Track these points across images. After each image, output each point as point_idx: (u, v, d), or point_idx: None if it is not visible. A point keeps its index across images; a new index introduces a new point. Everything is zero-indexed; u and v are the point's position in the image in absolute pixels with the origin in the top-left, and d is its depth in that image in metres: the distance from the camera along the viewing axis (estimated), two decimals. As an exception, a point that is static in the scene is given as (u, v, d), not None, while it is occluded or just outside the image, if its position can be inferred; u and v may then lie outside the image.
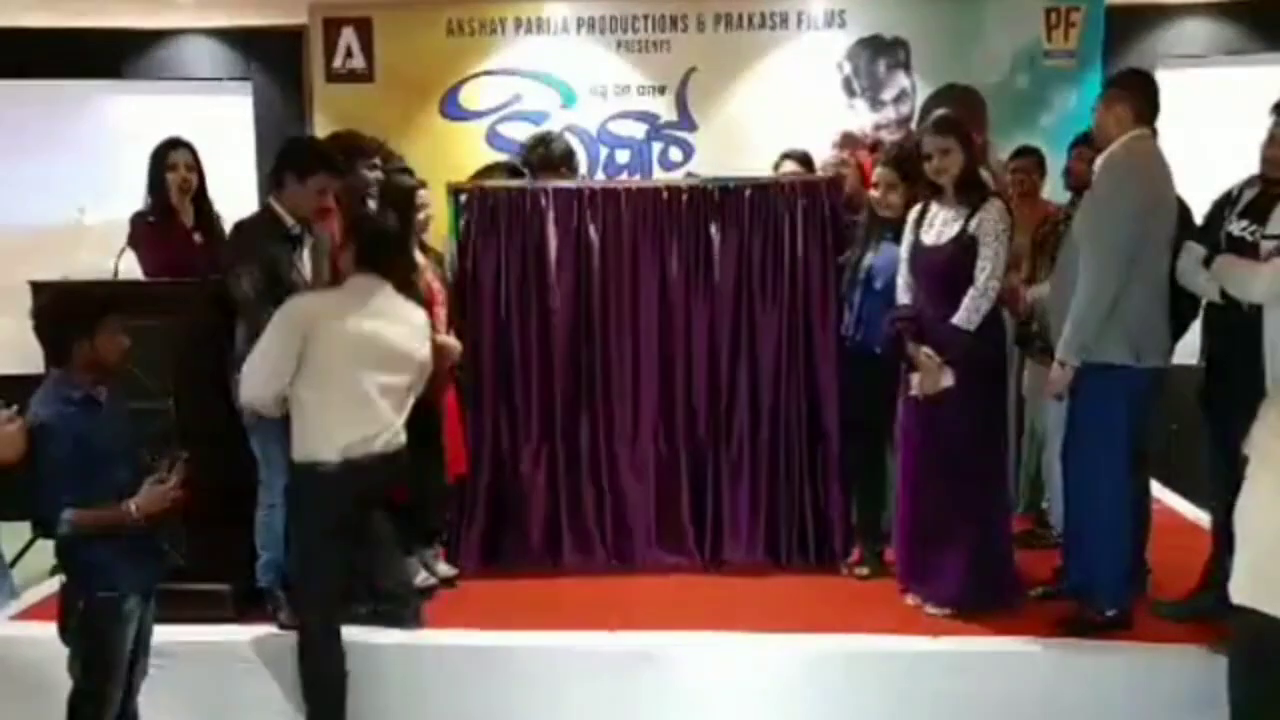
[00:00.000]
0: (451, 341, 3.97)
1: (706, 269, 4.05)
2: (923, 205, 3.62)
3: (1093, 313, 3.23)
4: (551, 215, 4.06)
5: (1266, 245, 3.11)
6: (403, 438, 3.25)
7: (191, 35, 6.85)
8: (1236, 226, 3.21)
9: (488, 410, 4.09)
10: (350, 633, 3.47)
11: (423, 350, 3.32)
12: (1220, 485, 3.13)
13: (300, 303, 3.17)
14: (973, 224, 3.45)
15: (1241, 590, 2.61)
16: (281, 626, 3.45)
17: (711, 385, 4.09)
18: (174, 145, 3.89)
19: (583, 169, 6.01)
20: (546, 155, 4.41)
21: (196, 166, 3.90)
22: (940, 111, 3.80)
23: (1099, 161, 3.38)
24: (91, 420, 2.69)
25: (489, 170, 4.61)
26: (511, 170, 4.54)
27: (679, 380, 4.09)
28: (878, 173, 3.90)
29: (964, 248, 3.45)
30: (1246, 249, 3.16)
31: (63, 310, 2.78)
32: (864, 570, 4.00)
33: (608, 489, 4.12)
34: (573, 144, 4.74)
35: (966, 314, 3.42)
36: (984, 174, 3.79)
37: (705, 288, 4.06)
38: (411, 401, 3.30)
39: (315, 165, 3.46)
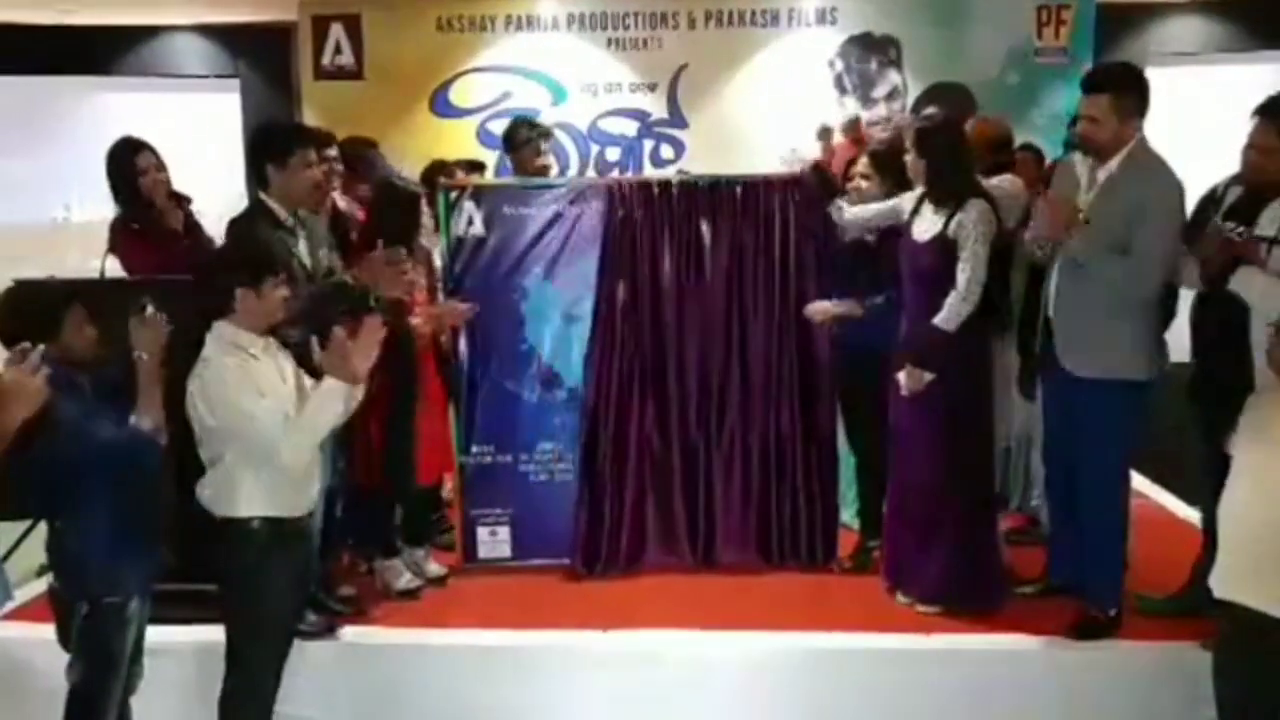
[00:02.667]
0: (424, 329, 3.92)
1: (698, 266, 4.04)
2: (919, 196, 3.62)
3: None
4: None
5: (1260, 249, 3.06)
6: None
7: (179, 32, 6.83)
8: (1225, 228, 3.17)
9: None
10: (341, 633, 3.49)
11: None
12: (1209, 482, 3.13)
13: None
14: (952, 226, 3.45)
15: (1223, 584, 2.62)
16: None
17: (703, 382, 4.08)
18: (138, 148, 3.70)
19: (573, 167, 6.02)
20: (528, 135, 4.50)
21: (164, 166, 3.75)
22: (923, 116, 3.80)
23: (1120, 162, 3.24)
24: (80, 402, 2.65)
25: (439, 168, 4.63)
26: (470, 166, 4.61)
27: (671, 377, 4.08)
28: (862, 160, 3.98)
29: (943, 249, 3.45)
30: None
31: (21, 310, 2.71)
32: (848, 564, 4.02)
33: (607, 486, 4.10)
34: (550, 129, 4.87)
35: (947, 316, 3.42)
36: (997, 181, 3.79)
37: (696, 284, 4.05)
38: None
39: (290, 144, 3.39)
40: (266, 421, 2.74)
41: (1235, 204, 3.21)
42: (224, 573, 2.90)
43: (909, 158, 3.61)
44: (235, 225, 3.43)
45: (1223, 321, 3.15)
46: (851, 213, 3.82)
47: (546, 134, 4.63)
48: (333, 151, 4.00)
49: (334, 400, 2.82)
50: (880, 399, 3.69)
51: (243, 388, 2.74)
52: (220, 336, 2.81)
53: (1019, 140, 4.86)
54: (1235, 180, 3.26)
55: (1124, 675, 3.33)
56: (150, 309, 2.79)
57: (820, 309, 3.88)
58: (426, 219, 3.95)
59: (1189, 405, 3.40)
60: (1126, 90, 3.25)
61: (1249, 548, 2.54)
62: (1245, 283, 3.07)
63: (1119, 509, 3.45)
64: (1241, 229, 3.13)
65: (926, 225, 3.54)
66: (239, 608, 2.89)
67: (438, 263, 4.11)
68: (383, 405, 3.54)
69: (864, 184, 3.88)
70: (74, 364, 2.69)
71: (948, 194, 3.48)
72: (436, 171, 4.59)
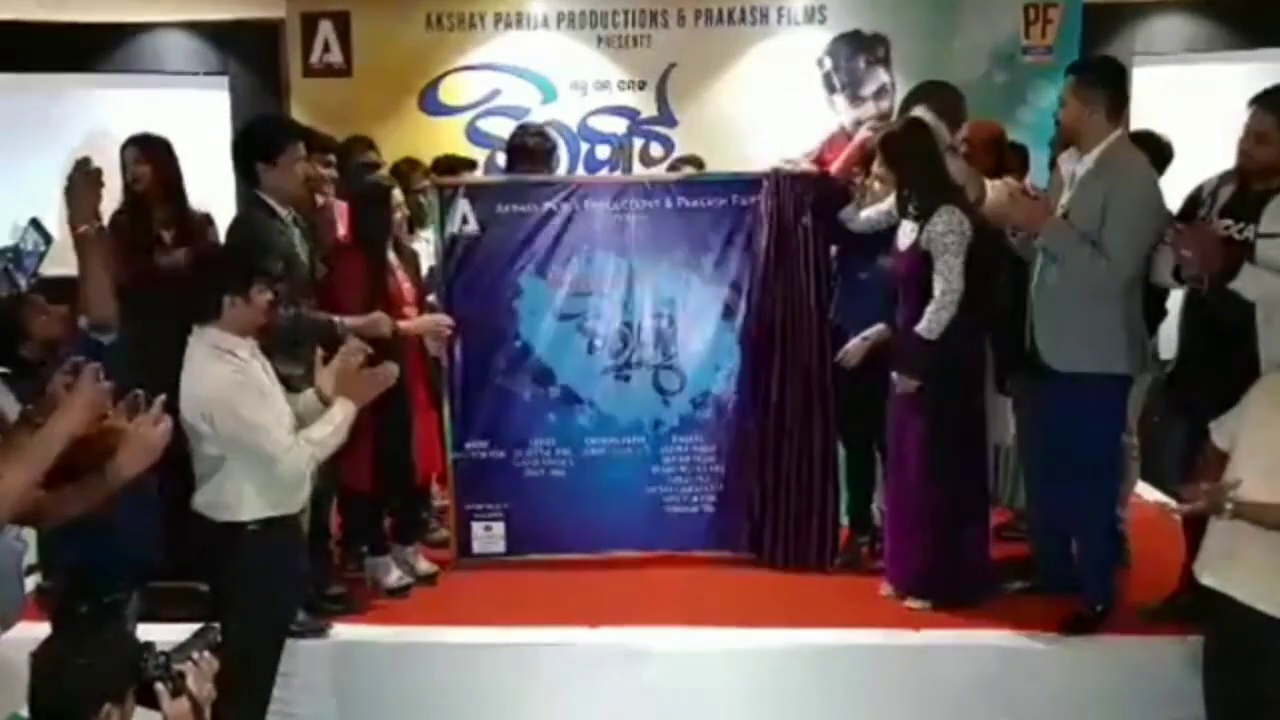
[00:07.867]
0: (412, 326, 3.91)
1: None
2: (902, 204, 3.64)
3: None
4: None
5: (1265, 245, 3.00)
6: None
7: (167, 29, 6.78)
8: (1219, 226, 3.14)
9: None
10: (332, 631, 3.50)
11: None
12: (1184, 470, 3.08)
13: None
14: (924, 237, 3.47)
15: (1206, 569, 2.66)
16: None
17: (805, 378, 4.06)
18: (130, 143, 3.71)
19: (563, 165, 6.01)
20: (523, 144, 4.36)
21: (147, 160, 3.72)
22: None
23: (1096, 158, 3.28)
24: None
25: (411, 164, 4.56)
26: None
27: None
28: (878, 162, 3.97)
29: (919, 258, 3.49)
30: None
31: None
32: (839, 561, 4.04)
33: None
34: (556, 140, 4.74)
35: (927, 324, 3.46)
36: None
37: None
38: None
39: (279, 141, 3.38)
40: (272, 432, 2.74)
41: (1231, 202, 3.16)
42: (223, 574, 2.88)
43: (877, 166, 3.65)
44: (237, 223, 3.42)
45: (1209, 322, 3.16)
46: (862, 216, 3.85)
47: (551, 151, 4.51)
48: (331, 157, 3.99)
49: (347, 426, 2.86)
50: (878, 395, 3.72)
51: (246, 398, 2.73)
52: (206, 341, 2.78)
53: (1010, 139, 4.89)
54: (1225, 179, 3.23)
55: (1112, 670, 3.37)
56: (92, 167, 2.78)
57: (857, 349, 3.82)
58: (399, 215, 3.90)
59: (1169, 404, 3.41)
60: (1092, 82, 3.30)
61: (1235, 532, 2.57)
62: (1254, 281, 3.01)
63: (1106, 504, 3.47)
64: (1243, 226, 3.08)
65: (906, 233, 3.58)
66: (239, 608, 2.87)
67: (425, 263, 4.11)
68: (376, 406, 3.53)
69: (878, 186, 3.87)
70: (48, 347, 2.69)
71: (918, 201, 3.51)
72: (409, 168, 4.50)
